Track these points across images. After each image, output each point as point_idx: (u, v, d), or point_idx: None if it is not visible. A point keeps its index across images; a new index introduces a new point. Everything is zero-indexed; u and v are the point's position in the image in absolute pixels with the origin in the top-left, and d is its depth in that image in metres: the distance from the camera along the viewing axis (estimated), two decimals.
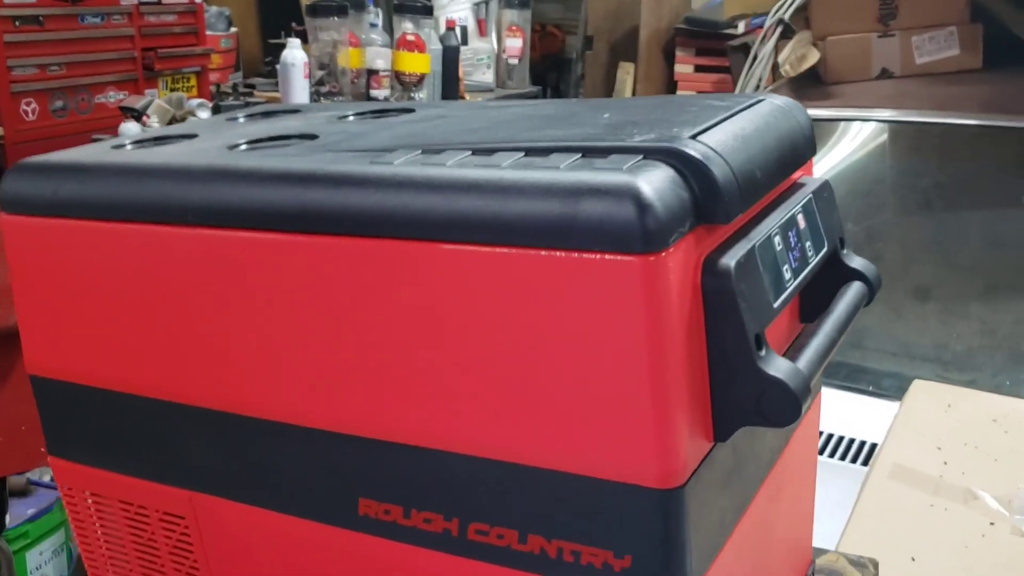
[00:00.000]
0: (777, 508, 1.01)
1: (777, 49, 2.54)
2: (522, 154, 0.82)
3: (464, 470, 0.82)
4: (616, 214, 0.70)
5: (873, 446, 1.84)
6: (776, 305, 0.82)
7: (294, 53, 3.17)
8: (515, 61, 4.33)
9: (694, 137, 0.78)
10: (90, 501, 1.10)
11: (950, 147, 2.26)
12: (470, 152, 0.84)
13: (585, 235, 0.72)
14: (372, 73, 3.46)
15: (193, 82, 4.98)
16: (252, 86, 4.56)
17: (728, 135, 0.81)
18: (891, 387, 2.02)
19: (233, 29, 5.74)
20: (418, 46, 3.54)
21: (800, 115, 0.96)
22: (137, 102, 3.65)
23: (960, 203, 2.21)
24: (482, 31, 4.19)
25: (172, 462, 1.01)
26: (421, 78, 3.57)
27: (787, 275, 0.85)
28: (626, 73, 6.18)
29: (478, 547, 0.84)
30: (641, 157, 0.76)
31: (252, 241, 0.87)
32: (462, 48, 3.90)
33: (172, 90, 4.64)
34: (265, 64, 5.83)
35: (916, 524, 1.47)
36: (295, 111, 1.24)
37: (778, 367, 0.76)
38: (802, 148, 0.94)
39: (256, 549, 0.99)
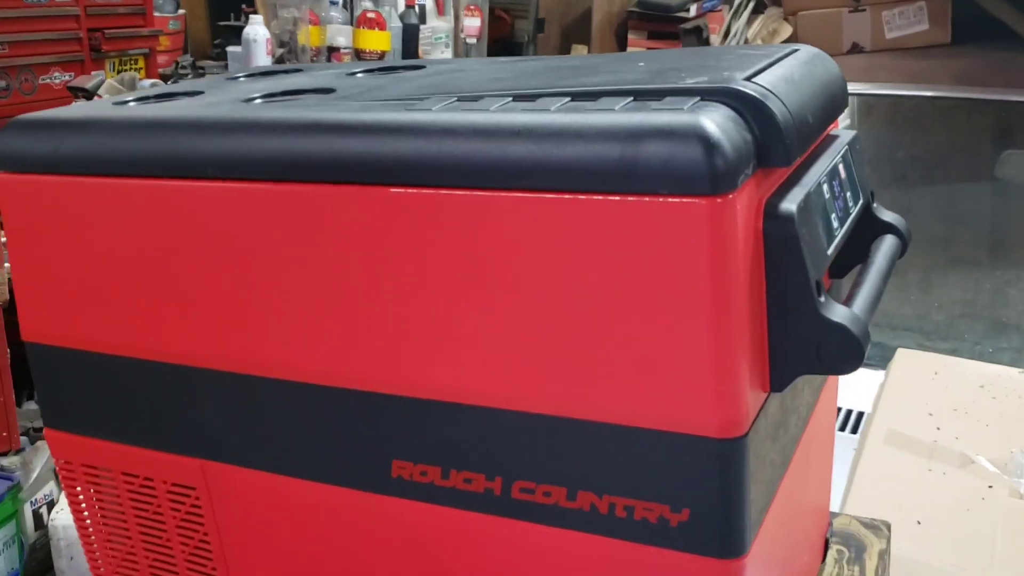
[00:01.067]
0: (808, 468, 1.00)
1: (749, 24, 2.55)
2: (568, 99, 0.79)
3: (509, 427, 0.80)
4: (682, 155, 0.68)
5: (860, 414, 1.85)
6: (829, 252, 0.80)
7: (257, 29, 3.09)
8: (473, 40, 4.28)
9: (748, 79, 0.76)
10: (89, 474, 1.05)
11: (924, 120, 2.28)
12: (511, 98, 0.81)
13: (648, 178, 0.69)
14: (333, 51, 3.38)
15: (141, 64, 4.84)
16: (203, 68, 4.44)
17: (779, 79, 0.79)
18: (874, 356, 2.03)
19: (181, 11, 5.60)
20: (379, 24, 3.47)
21: (833, 65, 0.95)
22: (87, 82, 3.53)
23: (935, 175, 2.24)
24: (440, 10, 4.13)
25: (182, 430, 0.97)
26: (382, 56, 3.50)
27: (835, 223, 0.84)
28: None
29: (523, 506, 0.81)
30: (698, 99, 0.74)
31: (281, 193, 0.83)
32: (420, 27, 3.85)
33: (120, 72, 4.51)
34: (214, 47, 5.70)
35: (917, 488, 1.48)
36: (297, 70, 1.20)
37: (840, 313, 0.75)
38: (840, 97, 0.92)
39: (275, 519, 0.95)
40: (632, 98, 0.76)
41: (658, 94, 0.76)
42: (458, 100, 0.83)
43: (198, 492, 0.98)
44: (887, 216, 0.98)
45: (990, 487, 1.48)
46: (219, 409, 0.93)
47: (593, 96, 0.78)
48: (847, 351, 0.74)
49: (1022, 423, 1.66)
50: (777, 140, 0.73)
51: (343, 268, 0.82)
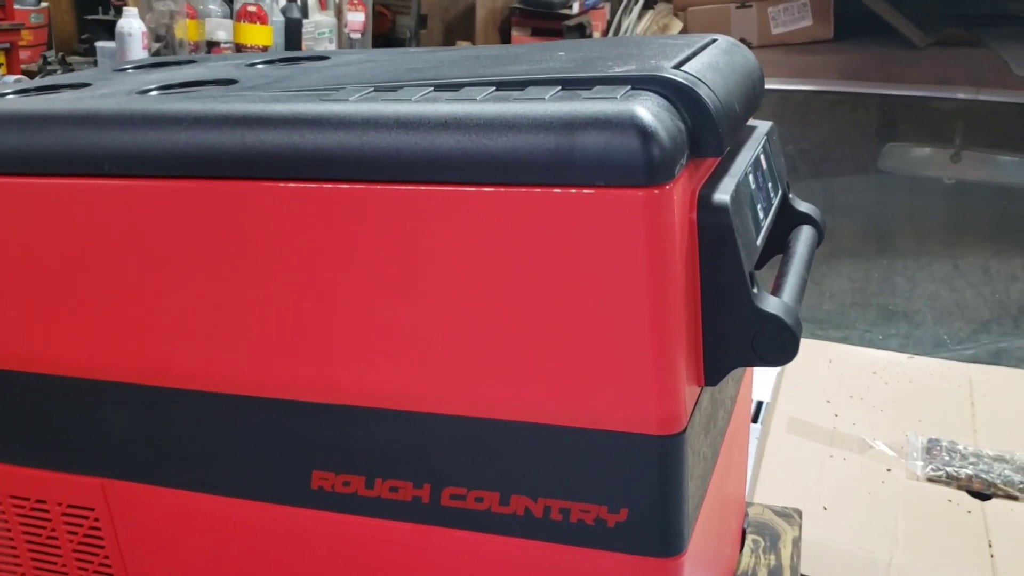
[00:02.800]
0: (730, 460, 1.00)
1: (639, 19, 2.56)
2: (493, 88, 0.76)
3: (439, 431, 0.76)
4: (619, 145, 0.66)
5: (760, 403, 1.88)
6: (759, 243, 0.80)
7: (131, 22, 2.95)
8: (357, 35, 4.20)
9: (677, 68, 0.75)
10: None
11: (810, 114, 2.34)
12: (432, 88, 0.78)
13: (584, 169, 0.67)
14: (213, 45, 3.27)
15: (2, 60, 4.58)
16: (71, 64, 4.24)
17: (706, 67, 0.78)
18: None
19: (44, 4, 5.33)
20: (260, 18, 3.37)
21: (751, 55, 0.94)
22: None
23: (823, 168, 2.30)
24: (323, 4, 4.04)
25: (79, 448, 0.90)
26: (264, 50, 3.40)
27: (761, 214, 0.83)
28: None
29: (454, 513, 0.78)
30: (629, 87, 0.72)
31: (187, 190, 0.78)
32: (303, 21, 3.75)
33: None
34: (81, 41, 5.44)
35: (820, 474, 1.51)
36: (190, 61, 1.14)
37: (773, 304, 0.74)
38: (759, 87, 0.92)
39: (186, 538, 0.89)
40: (560, 87, 0.74)
41: (587, 83, 0.74)
42: (375, 90, 0.79)
43: (97, 513, 0.92)
44: (803, 207, 0.98)
45: (888, 470, 1.52)
46: (122, 424, 0.87)
47: (519, 85, 0.75)
48: (782, 342, 0.73)
49: (914, 407, 1.72)
50: (709, 129, 0.72)
51: (258, 269, 0.77)
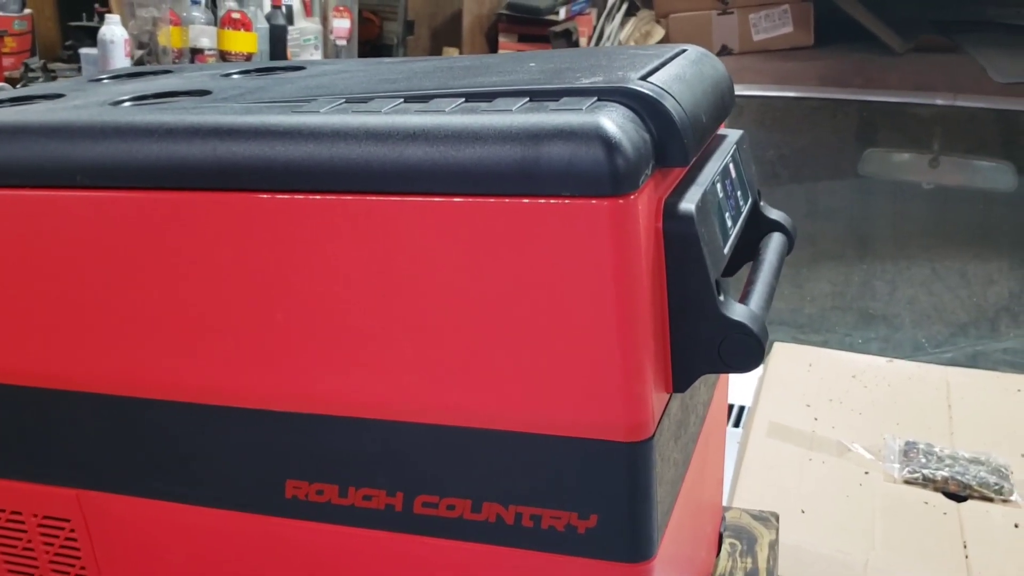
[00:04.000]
0: (705, 464, 1.01)
1: (622, 26, 2.58)
2: (462, 100, 0.77)
3: (411, 440, 0.77)
4: (584, 156, 0.67)
5: (742, 408, 1.89)
6: (726, 251, 0.81)
7: (113, 30, 2.95)
8: (343, 42, 4.20)
9: (643, 79, 0.76)
10: None
11: (791, 120, 2.35)
12: (402, 100, 0.78)
13: (549, 179, 0.68)
14: (196, 52, 3.26)
15: None
16: (54, 71, 4.23)
17: (673, 78, 0.79)
18: None
19: (27, 11, 5.32)
20: (244, 24, 3.37)
21: (720, 65, 0.95)
22: None
23: (803, 173, 2.31)
24: (308, 10, 4.04)
25: (54, 459, 0.90)
26: (248, 58, 3.40)
27: (729, 222, 0.84)
28: None
29: (426, 521, 0.79)
30: (595, 99, 0.73)
31: (158, 201, 0.78)
32: (288, 28, 3.75)
33: None
34: (65, 48, 5.43)
35: (799, 478, 1.52)
36: (166, 71, 1.14)
37: (739, 312, 0.75)
38: (728, 96, 0.93)
39: (161, 548, 0.90)
40: (528, 99, 0.75)
41: (554, 94, 0.75)
42: (347, 102, 0.79)
43: (73, 524, 0.92)
44: (773, 214, 0.99)
45: (866, 473, 1.53)
46: (96, 435, 0.87)
47: (488, 97, 0.76)
48: (748, 349, 0.74)
49: (892, 410, 1.73)
50: (674, 140, 0.73)
51: (228, 280, 0.78)
